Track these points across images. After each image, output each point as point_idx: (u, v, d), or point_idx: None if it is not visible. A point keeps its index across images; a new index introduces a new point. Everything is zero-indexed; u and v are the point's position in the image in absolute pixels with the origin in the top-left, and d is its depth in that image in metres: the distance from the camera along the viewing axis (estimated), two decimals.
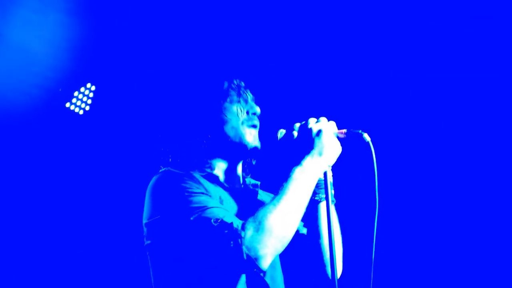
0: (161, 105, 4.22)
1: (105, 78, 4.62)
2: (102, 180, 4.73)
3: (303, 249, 2.26)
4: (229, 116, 2.21)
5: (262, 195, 2.31)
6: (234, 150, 2.22)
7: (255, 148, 2.22)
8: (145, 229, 2.10)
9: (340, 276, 2.17)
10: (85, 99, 4.61)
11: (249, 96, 2.28)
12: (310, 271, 2.26)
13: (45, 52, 4.23)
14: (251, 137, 2.22)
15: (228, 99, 2.24)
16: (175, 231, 1.96)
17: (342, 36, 4.24)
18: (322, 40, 4.29)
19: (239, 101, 2.24)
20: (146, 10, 4.24)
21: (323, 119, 2.13)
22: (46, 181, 4.62)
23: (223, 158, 2.24)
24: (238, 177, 2.29)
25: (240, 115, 2.22)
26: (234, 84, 2.27)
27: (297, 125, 2.15)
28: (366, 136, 2.06)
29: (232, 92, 2.25)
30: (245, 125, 2.22)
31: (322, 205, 2.23)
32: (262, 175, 2.38)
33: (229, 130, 2.20)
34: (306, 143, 2.07)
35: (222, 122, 2.21)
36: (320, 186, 2.19)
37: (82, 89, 4.59)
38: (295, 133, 2.13)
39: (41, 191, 4.61)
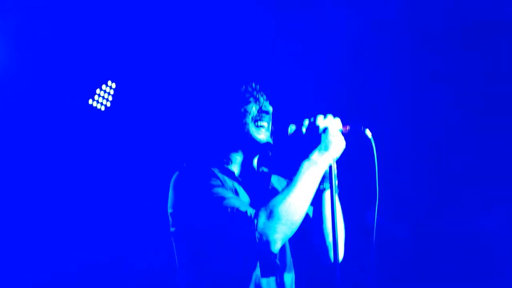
0: (182, 106, 4.49)
1: (125, 76, 4.86)
2: (122, 174, 4.92)
3: (308, 234, 2.50)
4: (242, 115, 2.46)
5: (274, 183, 2.57)
6: (247, 145, 2.47)
7: (267, 142, 2.46)
8: (170, 218, 2.39)
9: (342, 260, 2.41)
10: (106, 95, 4.85)
11: (263, 97, 2.52)
12: (315, 254, 2.49)
13: (68, 50, 4.46)
14: (260, 134, 2.46)
15: (243, 100, 2.49)
16: (197, 219, 2.25)
17: (349, 36, 4.45)
18: (331, 42, 4.51)
19: (252, 102, 2.49)
20: (166, 10, 4.45)
21: (329, 116, 2.36)
22: (70, 175, 4.77)
23: (239, 152, 2.49)
24: (253, 169, 2.54)
25: (252, 114, 2.46)
26: (249, 87, 2.52)
27: (306, 121, 2.39)
28: (367, 132, 2.31)
29: (247, 94, 2.50)
30: (255, 122, 2.46)
31: (326, 194, 2.45)
32: (274, 166, 2.62)
33: (242, 127, 2.45)
34: (314, 139, 2.33)
35: (236, 120, 2.46)
36: (325, 176, 2.41)
37: (104, 87, 4.84)
38: (304, 129, 2.37)
39: (66, 185, 4.75)
